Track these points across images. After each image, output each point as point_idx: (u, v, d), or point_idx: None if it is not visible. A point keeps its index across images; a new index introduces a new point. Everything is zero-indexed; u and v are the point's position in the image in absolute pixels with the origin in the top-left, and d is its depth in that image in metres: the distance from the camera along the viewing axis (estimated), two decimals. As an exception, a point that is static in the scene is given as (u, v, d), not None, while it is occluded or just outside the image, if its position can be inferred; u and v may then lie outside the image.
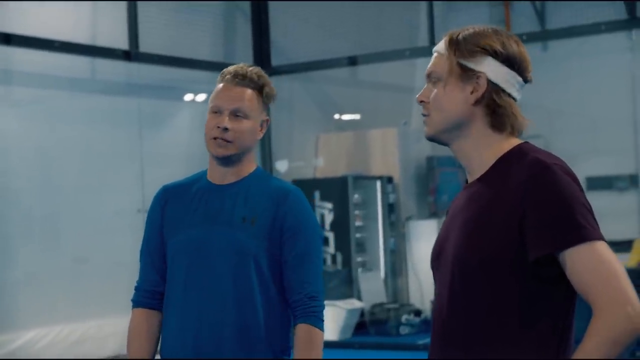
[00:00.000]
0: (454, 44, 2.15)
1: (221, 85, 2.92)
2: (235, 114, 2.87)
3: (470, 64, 2.13)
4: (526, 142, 2.16)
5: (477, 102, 2.14)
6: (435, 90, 2.17)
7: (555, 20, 9.33)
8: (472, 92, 2.14)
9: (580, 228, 1.97)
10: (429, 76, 2.19)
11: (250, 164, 2.95)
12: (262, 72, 2.96)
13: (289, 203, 2.88)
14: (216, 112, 2.89)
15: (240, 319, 2.82)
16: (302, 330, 2.84)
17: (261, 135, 2.95)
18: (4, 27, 6.75)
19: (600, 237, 1.99)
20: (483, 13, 9.96)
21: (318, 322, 2.86)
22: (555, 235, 1.98)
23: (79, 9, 7.65)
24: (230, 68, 2.93)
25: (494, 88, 2.13)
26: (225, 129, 2.85)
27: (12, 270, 6.90)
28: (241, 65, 2.94)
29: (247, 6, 9.05)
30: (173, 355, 2.90)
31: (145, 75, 8.09)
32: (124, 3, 7.72)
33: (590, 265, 1.97)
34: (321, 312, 2.88)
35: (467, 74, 2.13)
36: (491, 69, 2.13)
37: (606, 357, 1.92)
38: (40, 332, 7.02)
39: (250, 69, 2.92)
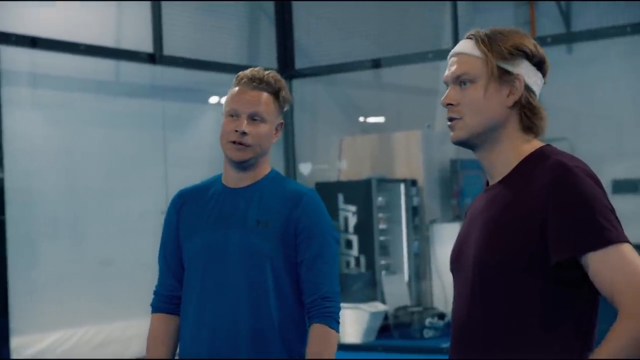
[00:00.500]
0: (491, 46, 2.13)
1: (237, 88, 2.91)
2: (253, 118, 2.86)
3: (508, 66, 2.12)
4: (548, 145, 2.14)
5: (513, 105, 2.13)
6: (470, 93, 2.14)
7: (581, 22, 9.28)
8: (508, 95, 2.12)
9: (603, 230, 1.96)
10: (458, 78, 2.16)
11: (265, 167, 2.95)
12: (278, 76, 2.95)
13: (303, 205, 2.87)
14: (233, 115, 2.88)
15: (255, 321, 2.82)
16: (316, 329, 2.82)
17: (276, 139, 2.95)
18: (29, 30, 6.80)
19: (624, 239, 1.97)
20: (508, 15, 9.92)
21: (333, 323, 2.84)
22: (577, 238, 1.96)
23: (104, 12, 7.69)
24: (247, 72, 2.92)
25: (528, 91, 2.12)
26: (244, 133, 2.84)
27: (38, 272, 6.94)
28: (257, 68, 2.94)
29: (271, 9, 9.06)
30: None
31: (170, 78, 8.12)
32: (149, 5, 7.75)
33: (615, 267, 1.95)
34: (337, 313, 2.86)
35: (504, 77, 2.12)
36: (526, 72, 2.12)
37: (630, 357, 1.91)
38: (65, 334, 7.05)
39: (267, 72, 2.92)
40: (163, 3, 7.82)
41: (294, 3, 9.08)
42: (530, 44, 2.13)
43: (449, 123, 2.17)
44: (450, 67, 2.18)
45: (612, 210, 2.01)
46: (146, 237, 7.20)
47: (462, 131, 2.15)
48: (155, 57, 7.74)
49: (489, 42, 2.13)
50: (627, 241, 1.98)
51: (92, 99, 7.66)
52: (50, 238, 7.10)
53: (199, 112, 8.55)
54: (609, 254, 1.95)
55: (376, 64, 8.92)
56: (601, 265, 1.96)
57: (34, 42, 6.76)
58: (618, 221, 2.00)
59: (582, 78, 9.31)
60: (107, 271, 7.42)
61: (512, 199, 2.06)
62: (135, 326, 7.16)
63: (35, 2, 7.01)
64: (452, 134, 2.17)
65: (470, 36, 2.17)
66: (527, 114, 2.12)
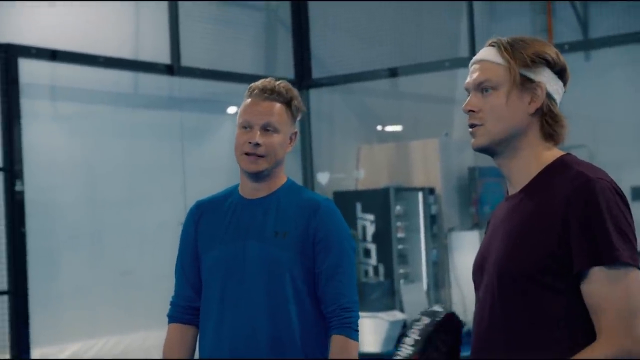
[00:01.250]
0: (513, 53, 2.13)
1: (249, 100, 2.93)
2: (266, 129, 2.88)
3: (530, 74, 2.12)
4: (568, 154, 2.15)
5: (535, 112, 2.13)
6: (492, 99, 2.14)
7: (599, 29, 9.25)
8: (530, 102, 2.12)
9: (615, 249, 1.96)
10: (479, 85, 2.16)
11: (281, 177, 2.97)
12: (290, 86, 2.97)
13: (320, 215, 2.89)
14: (246, 127, 2.90)
15: (274, 332, 2.85)
16: (337, 341, 2.84)
17: (290, 148, 2.97)
18: (49, 43, 6.85)
19: (633, 263, 1.97)
20: (525, 22, 9.90)
21: (353, 333, 2.86)
22: (590, 251, 1.97)
23: (122, 24, 7.73)
24: (258, 83, 2.94)
25: (549, 99, 2.13)
26: (257, 144, 2.86)
27: (58, 283, 6.97)
28: (268, 79, 2.96)
29: (288, 19, 9.08)
30: None
31: (188, 89, 8.14)
32: (166, 17, 7.79)
33: (613, 286, 1.95)
34: (356, 322, 2.88)
35: (526, 84, 2.12)
36: (547, 79, 2.12)
37: None
38: (86, 345, 7.08)
39: (278, 83, 2.94)
40: (180, 14, 7.85)
41: (311, 13, 9.09)
42: (552, 52, 2.14)
43: (470, 129, 2.18)
44: (472, 74, 2.18)
45: (631, 229, 2.01)
46: (165, 248, 7.19)
47: (483, 137, 2.15)
48: (173, 69, 7.78)
49: (512, 50, 2.13)
50: (636, 265, 1.98)
51: (111, 110, 7.69)
52: (70, 249, 7.12)
53: (217, 123, 8.57)
54: (612, 273, 1.96)
55: (393, 72, 8.92)
56: (600, 279, 1.96)
57: (53, 55, 6.81)
58: (636, 240, 2.00)
59: (600, 85, 9.27)
60: (126, 282, 7.44)
61: (533, 209, 2.07)
62: (155, 336, 7.16)
63: (54, 15, 7.05)
64: (473, 140, 2.18)
65: (493, 43, 2.18)
66: (549, 121, 2.13)
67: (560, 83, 2.15)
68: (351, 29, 9.36)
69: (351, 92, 9.72)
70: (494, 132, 2.13)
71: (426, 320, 1.99)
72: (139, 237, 7.56)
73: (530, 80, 2.12)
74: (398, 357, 1.95)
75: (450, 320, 2.05)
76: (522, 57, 2.12)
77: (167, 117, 8.11)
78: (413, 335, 1.95)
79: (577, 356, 1.96)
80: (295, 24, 9.04)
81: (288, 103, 2.94)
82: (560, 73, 2.14)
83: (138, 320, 7.44)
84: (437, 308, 2.01)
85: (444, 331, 2.05)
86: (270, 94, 2.91)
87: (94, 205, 7.33)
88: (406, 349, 1.92)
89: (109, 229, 7.43)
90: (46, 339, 6.67)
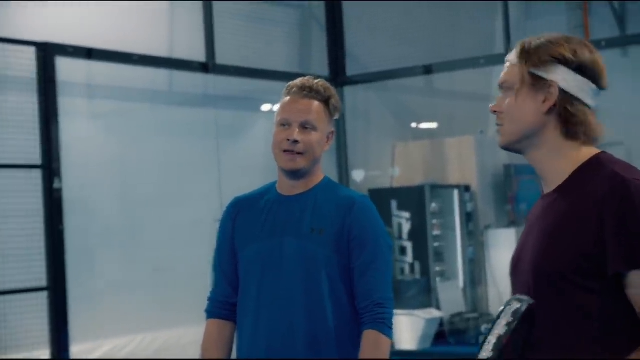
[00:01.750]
0: (525, 53, 2.13)
1: (288, 98, 2.96)
2: (304, 127, 2.91)
3: (541, 73, 2.10)
4: (604, 152, 2.12)
5: (549, 111, 2.11)
6: (508, 100, 2.15)
7: (636, 25, 9.15)
8: (544, 101, 2.11)
9: None
10: (501, 86, 2.18)
11: (318, 175, 2.99)
12: (328, 85, 3.01)
13: (356, 212, 2.90)
14: (284, 124, 2.93)
15: (311, 327, 2.87)
16: (368, 336, 2.85)
17: (328, 147, 3.00)
18: (85, 42, 6.90)
19: None
20: (561, 19, 9.81)
21: (385, 329, 2.87)
22: (628, 253, 1.94)
23: (157, 22, 7.77)
24: (297, 81, 2.98)
25: (566, 97, 2.10)
26: (296, 142, 2.89)
27: (94, 280, 7.02)
28: (307, 78, 2.99)
29: (322, 16, 9.08)
30: None
31: (222, 86, 8.17)
32: (201, 15, 7.82)
33: None
34: (389, 319, 2.89)
35: (538, 83, 2.11)
36: (563, 77, 2.10)
37: None
38: (122, 341, 7.13)
39: (316, 81, 2.97)
40: (215, 12, 7.88)
41: (345, 9, 9.09)
42: (567, 50, 2.10)
43: (496, 129, 2.20)
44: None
45: None
46: (200, 245, 7.26)
47: (502, 138, 2.18)
48: (207, 66, 7.81)
49: (526, 49, 2.13)
50: None
51: (146, 108, 7.74)
52: (106, 247, 7.18)
53: (251, 120, 8.59)
54: None
55: (428, 69, 8.89)
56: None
57: (89, 53, 6.86)
58: None
59: (638, 81, 9.17)
60: (162, 279, 7.48)
61: (568, 209, 2.05)
62: (192, 333, 7.20)
63: (91, 14, 7.11)
64: (497, 139, 2.19)
65: (518, 44, 2.18)
66: (567, 119, 2.11)
67: (585, 79, 2.11)
68: (386, 27, 9.34)
69: (386, 90, 9.70)
70: (509, 132, 2.15)
71: (517, 304, 1.98)
72: (175, 235, 7.60)
73: (543, 79, 2.10)
74: (493, 336, 1.94)
75: (532, 310, 2.03)
76: (532, 57, 2.11)
77: (202, 114, 8.14)
78: (505, 317, 1.94)
79: (632, 356, 1.94)
80: (330, 21, 9.05)
81: (326, 101, 2.97)
82: (581, 69, 2.11)
83: (174, 317, 7.47)
84: (521, 297, 1.99)
85: (527, 320, 2.04)
86: (309, 92, 2.95)
87: (130, 203, 7.38)
88: (499, 330, 1.92)
89: (144, 226, 7.47)
90: (83, 336, 6.73)
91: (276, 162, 2.95)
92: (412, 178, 9.69)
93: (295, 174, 2.93)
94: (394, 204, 9.20)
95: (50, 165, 6.37)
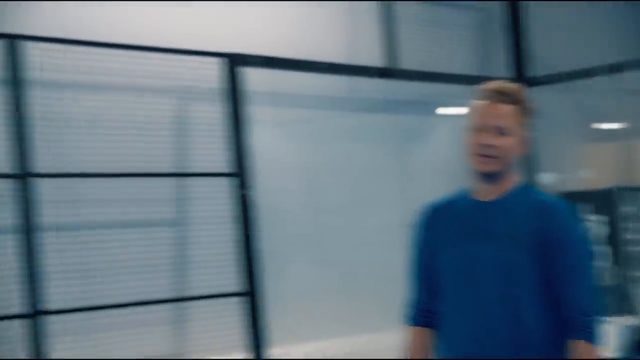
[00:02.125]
0: None
1: (482, 102, 2.96)
2: (499, 131, 2.91)
3: None
4: None
5: None
6: None
7: None
8: None
9: None
10: None
11: (514, 179, 2.98)
12: (522, 88, 3.01)
13: (554, 217, 2.87)
14: (478, 129, 2.92)
15: (510, 335, 2.84)
16: (577, 347, 2.79)
17: (524, 151, 2.99)
18: (265, 49, 7.03)
19: None
20: None
21: (593, 339, 2.81)
22: None
23: (335, 28, 7.85)
24: (490, 85, 2.97)
25: None
26: (490, 146, 2.90)
27: (285, 287, 7.14)
28: (500, 81, 2.98)
29: (502, 18, 8.95)
30: None
31: (401, 91, 8.16)
32: (378, 20, 7.81)
33: None
34: (597, 327, 2.83)
35: None
36: None
37: None
38: (313, 346, 7.22)
39: (510, 85, 2.97)
40: (394, 16, 7.89)
41: (528, 11, 8.93)
42: None
43: None
44: None
45: None
46: (385, 251, 7.29)
47: None
48: (387, 72, 7.81)
49: None
50: None
51: (328, 115, 7.82)
52: (295, 252, 7.30)
53: (431, 125, 8.54)
54: None
55: (617, 68, 8.60)
56: None
57: (272, 62, 6.98)
58: None
59: None
60: (349, 285, 7.53)
61: None
62: (379, 339, 7.21)
63: (270, 22, 7.24)
64: None
65: None
66: None
67: None
68: (571, 23, 9.14)
69: (572, 90, 9.47)
70: None
71: None
72: (363, 240, 7.65)
73: None
74: None
75: None
76: None
77: (382, 120, 8.16)
78: None
79: None
80: (511, 22, 8.93)
81: (520, 105, 2.96)
82: None
83: (364, 322, 7.49)
84: None
85: None
86: (503, 96, 2.93)
87: (318, 208, 7.49)
88: None
89: (333, 231, 7.55)
90: (275, 340, 6.82)
91: (470, 165, 2.96)
92: (602, 180, 9.44)
93: (489, 178, 2.94)
94: (583, 207, 9.00)
95: (242, 173, 6.48)
